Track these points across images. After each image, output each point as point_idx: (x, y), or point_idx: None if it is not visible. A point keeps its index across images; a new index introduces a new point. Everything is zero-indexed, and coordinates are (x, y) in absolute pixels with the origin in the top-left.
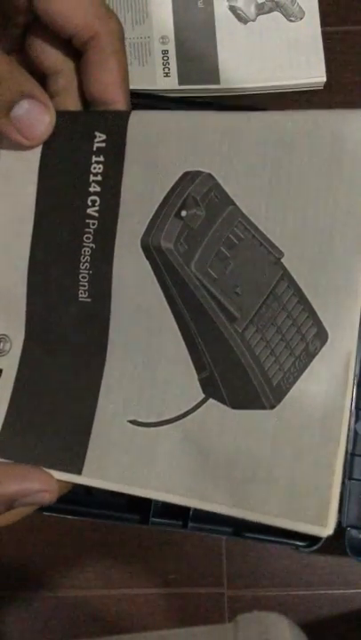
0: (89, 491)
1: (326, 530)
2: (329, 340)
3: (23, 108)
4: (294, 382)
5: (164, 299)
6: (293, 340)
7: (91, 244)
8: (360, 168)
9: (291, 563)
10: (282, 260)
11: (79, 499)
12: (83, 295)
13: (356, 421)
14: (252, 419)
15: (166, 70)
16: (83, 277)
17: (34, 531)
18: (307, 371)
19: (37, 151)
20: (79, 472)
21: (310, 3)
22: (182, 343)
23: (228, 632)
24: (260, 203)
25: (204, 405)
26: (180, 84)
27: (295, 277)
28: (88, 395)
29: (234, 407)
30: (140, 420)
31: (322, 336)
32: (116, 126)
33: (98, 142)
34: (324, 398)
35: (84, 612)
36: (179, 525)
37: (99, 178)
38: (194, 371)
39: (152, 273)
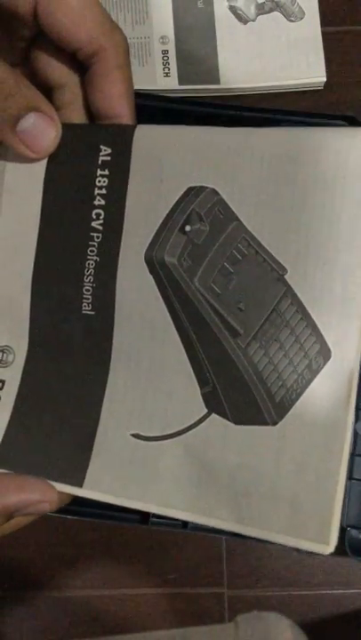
0: None
1: (328, 548)
2: (332, 357)
3: (29, 122)
4: (297, 399)
5: (167, 313)
6: (296, 356)
7: (95, 257)
8: None
9: (291, 563)
10: (285, 277)
11: (79, 498)
12: (86, 308)
13: (356, 421)
14: (254, 435)
15: (166, 70)
16: (87, 290)
17: (34, 531)
18: (310, 387)
19: (43, 163)
20: (80, 485)
21: (310, 3)
22: (185, 357)
23: (228, 632)
24: (264, 219)
25: (207, 420)
26: (180, 83)
27: (298, 294)
28: (91, 407)
29: (236, 423)
30: (142, 433)
31: (325, 353)
32: (122, 140)
33: (103, 156)
34: (327, 415)
35: (84, 612)
36: (179, 525)
37: (103, 191)
38: (197, 384)
39: (155, 287)
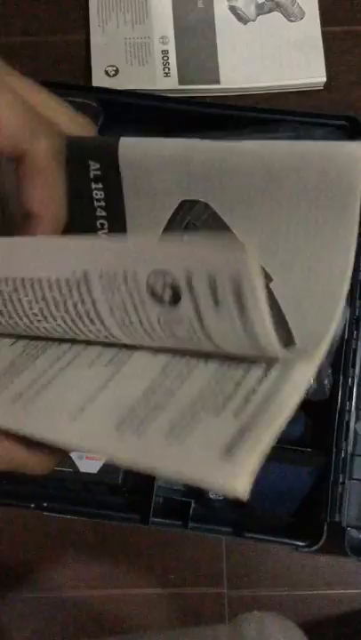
0: (89, 489)
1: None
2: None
3: None
4: None
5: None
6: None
7: None
8: (347, 201)
9: (291, 563)
10: (270, 285)
11: (79, 498)
12: None
13: (356, 421)
14: None
15: (166, 70)
16: None
17: (33, 531)
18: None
19: None
20: None
21: (310, 3)
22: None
23: (229, 632)
24: (253, 231)
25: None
26: (180, 83)
27: (279, 302)
28: None
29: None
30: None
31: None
32: (107, 154)
33: (94, 170)
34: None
35: (84, 612)
36: (179, 525)
37: (102, 204)
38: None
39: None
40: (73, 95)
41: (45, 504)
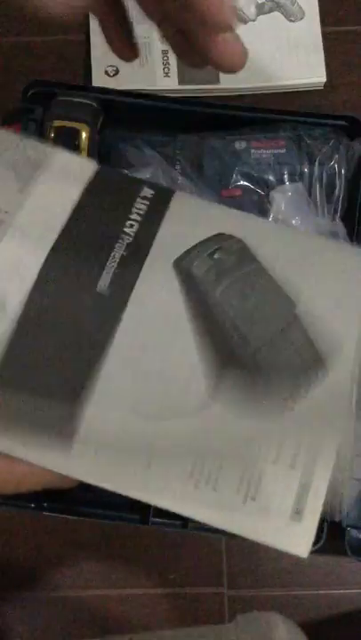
0: (89, 489)
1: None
2: (328, 376)
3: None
4: (297, 396)
5: (184, 311)
6: (299, 364)
7: (123, 252)
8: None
9: (291, 563)
10: (295, 311)
11: (79, 498)
12: (102, 286)
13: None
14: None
15: (166, 70)
16: (108, 269)
17: (34, 531)
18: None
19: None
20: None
21: (310, 3)
22: (194, 350)
23: (228, 632)
24: (280, 274)
25: (211, 405)
26: (180, 83)
27: (304, 325)
28: (90, 362)
29: (243, 405)
30: (140, 406)
31: (321, 366)
32: (163, 190)
33: (145, 192)
34: (329, 419)
35: (84, 612)
36: (179, 525)
37: (141, 212)
38: (201, 375)
39: (178, 287)
40: (73, 95)
41: (45, 504)
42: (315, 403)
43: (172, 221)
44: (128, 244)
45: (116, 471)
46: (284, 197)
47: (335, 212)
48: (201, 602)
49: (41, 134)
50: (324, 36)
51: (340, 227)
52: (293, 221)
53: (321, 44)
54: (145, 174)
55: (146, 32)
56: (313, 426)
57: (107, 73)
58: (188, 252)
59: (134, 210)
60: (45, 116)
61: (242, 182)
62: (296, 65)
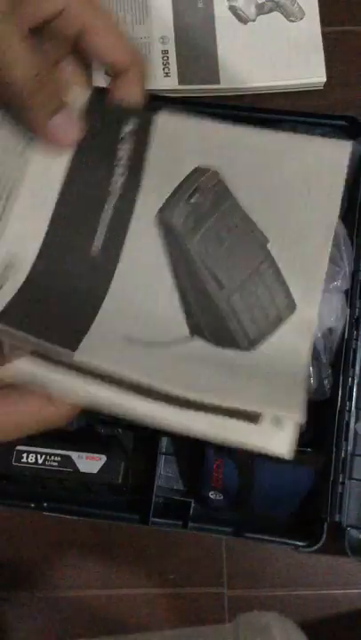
0: (89, 489)
1: (298, 416)
2: (296, 310)
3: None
4: (267, 337)
5: (166, 263)
6: (270, 307)
7: (112, 209)
8: (334, 182)
9: (291, 563)
10: (267, 246)
11: (79, 498)
12: (95, 251)
13: (356, 421)
14: (231, 355)
15: (166, 70)
16: (99, 234)
17: (33, 531)
18: (277, 331)
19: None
20: (73, 350)
21: (310, 3)
22: (177, 298)
23: (228, 632)
24: (254, 199)
25: (191, 340)
26: (180, 83)
27: (276, 259)
28: (91, 304)
29: (217, 344)
30: (133, 336)
31: (291, 307)
32: (145, 116)
33: (128, 125)
34: (291, 349)
35: (84, 612)
36: (179, 525)
37: (126, 154)
38: (184, 318)
39: (160, 241)
40: None
41: (45, 504)
42: (281, 340)
43: (154, 158)
44: (115, 204)
45: (114, 358)
46: None
47: None
48: (201, 602)
49: None
50: (324, 35)
51: (340, 227)
52: None
53: (321, 44)
54: None
55: (146, 32)
56: (282, 359)
57: (107, 73)
58: (168, 200)
59: (120, 154)
60: None
61: None
62: (296, 65)
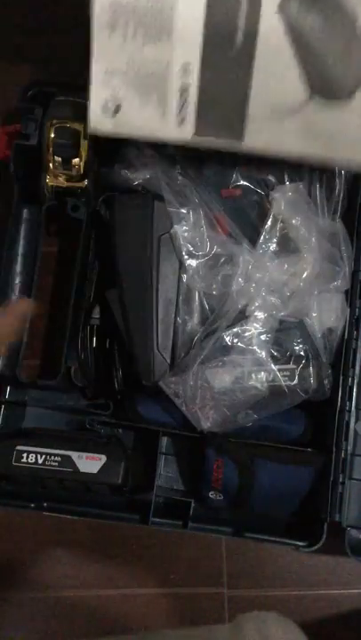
0: (89, 489)
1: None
2: None
3: None
4: None
5: (289, 44)
6: None
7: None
8: None
9: (291, 563)
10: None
11: (79, 498)
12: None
13: (356, 421)
14: None
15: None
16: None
17: (33, 531)
18: None
19: None
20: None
21: None
22: (296, 69)
23: (228, 632)
24: None
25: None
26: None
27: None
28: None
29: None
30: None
31: None
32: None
33: None
34: None
35: (84, 612)
36: (179, 525)
37: None
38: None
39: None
40: (72, 95)
41: (45, 504)
42: None
43: None
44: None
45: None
46: (284, 197)
47: (335, 212)
48: (201, 602)
49: (41, 134)
50: None
51: (340, 227)
52: (293, 221)
53: None
54: (145, 174)
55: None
56: None
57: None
58: None
59: None
60: (45, 116)
61: (242, 182)
62: None
